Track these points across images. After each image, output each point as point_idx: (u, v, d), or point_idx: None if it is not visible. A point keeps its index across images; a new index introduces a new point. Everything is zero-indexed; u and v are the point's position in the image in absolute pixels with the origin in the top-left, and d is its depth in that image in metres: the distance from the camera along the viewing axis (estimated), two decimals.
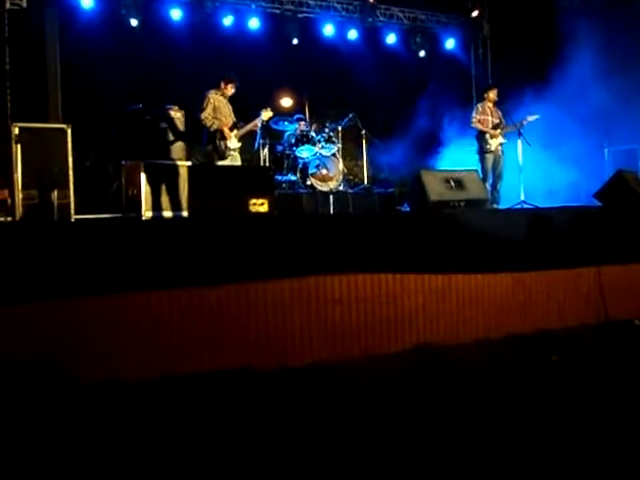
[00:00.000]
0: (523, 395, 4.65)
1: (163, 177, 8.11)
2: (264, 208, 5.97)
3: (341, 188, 9.88)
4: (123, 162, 8.33)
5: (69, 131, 7.07)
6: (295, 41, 11.76)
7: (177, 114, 8.61)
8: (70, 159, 7.06)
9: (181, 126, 8.64)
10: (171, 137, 8.50)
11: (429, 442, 3.88)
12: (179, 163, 8.33)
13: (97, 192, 9.19)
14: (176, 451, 3.77)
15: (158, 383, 4.70)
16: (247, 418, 4.25)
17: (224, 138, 7.85)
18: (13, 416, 4.14)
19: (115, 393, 4.52)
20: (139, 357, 4.90)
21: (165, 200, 8.06)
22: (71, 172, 7.06)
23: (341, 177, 9.94)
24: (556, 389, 4.78)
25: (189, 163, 8.44)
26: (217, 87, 8.02)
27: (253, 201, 5.95)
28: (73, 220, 7.00)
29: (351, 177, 11.10)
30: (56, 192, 6.91)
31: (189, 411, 4.35)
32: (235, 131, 7.93)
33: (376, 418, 4.24)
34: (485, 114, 9.58)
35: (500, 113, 9.70)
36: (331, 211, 9.26)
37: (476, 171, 7.73)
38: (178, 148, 8.55)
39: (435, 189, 6.84)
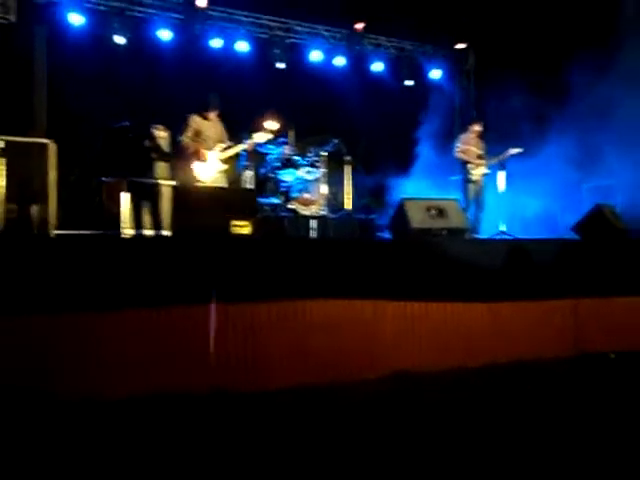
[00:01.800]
0: (496, 424, 4.67)
1: (145, 195, 8.12)
2: (247, 230, 5.98)
3: (323, 213, 9.92)
4: (103, 179, 8.32)
5: (52, 147, 7.05)
6: (282, 65, 11.87)
7: (162, 133, 8.64)
8: (52, 174, 7.03)
9: (166, 146, 8.66)
10: (155, 156, 8.52)
11: (402, 469, 3.88)
12: (162, 182, 8.34)
13: (80, 208, 9.15)
14: (150, 469, 3.74)
15: (134, 401, 4.68)
16: (224, 438, 4.25)
17: (201, 160, 7.98)
18: None
19: (94, 410, 4.51)
20: (117, 375, 4.88)
21: (146, 218, 8.08)
22: (52, 187, 7.03)
23: (323, 202, 9.99)
24: (530, 419, 4.80)
25: (173, 183, 8.44)
26: (199, 112, 8.12)
27: (235, 223, 5.96)
28: (52, 235, 6.97)
29: (334, 202, 11.14)
30: (35, 207, 6.89)
31: (163, 431, 4.33)
32: (219, 153, 8.00)
33: (351, 443, 4.24)
34: (468, 144, 9.69)
35: (483, 144, 9.82)
36: (312, 235, 9.29)
37: (457, 200, 7.80)
38: (161, 167, 8.56)
39: (417, 217, 6.90)
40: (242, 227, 5.88)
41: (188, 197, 6.11)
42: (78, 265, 4.96)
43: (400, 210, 6.96)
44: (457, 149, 9.70)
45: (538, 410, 5.01)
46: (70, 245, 5.24)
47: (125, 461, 3.87)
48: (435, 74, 13.55)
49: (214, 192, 6.80)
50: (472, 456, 4.09)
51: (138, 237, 7.63)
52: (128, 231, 7.93)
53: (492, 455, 4.10)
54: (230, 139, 8.37)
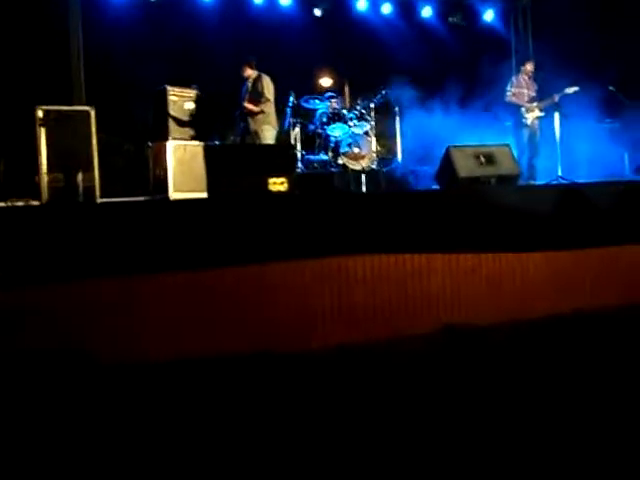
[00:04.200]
0: (556, 378, 4.48)
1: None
2: (284, 187, 5.86)
3: (374, 166, 9.68)
4: (149, 144, 8.26)
5: (93, 113, 7.01)
6: (321, 14, 11.47)
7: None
8: (94, 141, 7.01)
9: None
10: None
11: (456, 424, 3.76)
12: (206, 144, 8.21)
13: (126, 174, 9.19)
14: (190, 433, 3.73)
15: (176, 365, 4.69)
16: (268, 399, 4.22)
17: None
18: (35, 393, 4.23)
19: (134, 373, 4.55)
20: (158, 338, 4.90)
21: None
22: (96, 154, 7.02)
23: (374, 155, 9.73)
24: (591, 371, 4.60)
25: (216, 143, 8.32)
26: None
27: (273, 180, 5.84)
28: (98, 203, 6.99)
29: (384, 155, 10.86)
30: (81, 175, 6.90)
31: (206, 393, 4.33)
32: None
33: (402, 400, 4.15)
34: (520, 87, 9.29)
35: (537, 86, 9.38)
36: (363, 190, 9.09)
37: (508, 145, 7.44)
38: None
39: (464, 165, 6.62)
40: (279, 184, 5.75)
41: (222, 157, 6.02)
42: (123, 231, 4.97)
43: (447, 159, 6.69)
44: (508, 93, 9.32)
45: (601, 363, 4.79)
46: (115, 212, 5.28)
47: (171, 422, 3.89)
48: (488, 16, 12.97)
49: (249, 150, 6.68)
50: (526, 410, 3.92)
51: (179, 200, 7.54)
52: (175, 195, 7.84)
53: (547, 409, 3.93)
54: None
